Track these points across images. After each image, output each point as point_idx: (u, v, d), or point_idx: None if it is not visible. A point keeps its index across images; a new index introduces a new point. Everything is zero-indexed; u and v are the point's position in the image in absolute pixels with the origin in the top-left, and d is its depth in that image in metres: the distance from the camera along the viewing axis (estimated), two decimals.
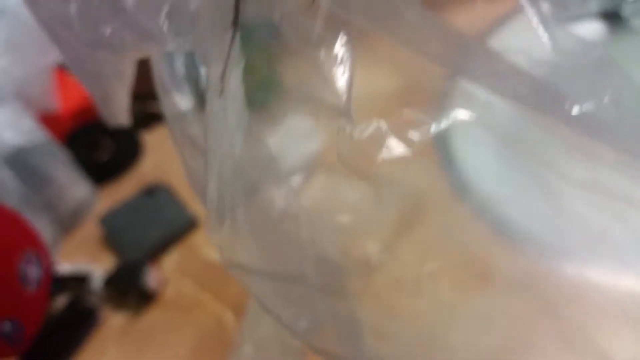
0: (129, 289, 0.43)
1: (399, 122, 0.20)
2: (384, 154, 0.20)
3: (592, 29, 0.46)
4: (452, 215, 0.25)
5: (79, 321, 0.44)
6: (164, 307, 0.43)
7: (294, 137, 0.20)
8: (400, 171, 0.23)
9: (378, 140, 0.20)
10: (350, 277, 0.21)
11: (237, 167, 0.19)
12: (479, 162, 0.27)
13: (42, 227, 0.48)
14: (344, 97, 0.19)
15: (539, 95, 0.19)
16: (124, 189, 0.55)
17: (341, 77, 0.19)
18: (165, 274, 0.45)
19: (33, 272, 0.40)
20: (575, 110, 0.18)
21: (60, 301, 0.45)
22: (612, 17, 0.46)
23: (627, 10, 0.45)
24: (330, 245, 0.20)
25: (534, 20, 0.19)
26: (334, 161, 0.19)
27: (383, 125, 0.20)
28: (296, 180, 0.20)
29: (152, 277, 0.44)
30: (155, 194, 0.51)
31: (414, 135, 0.20)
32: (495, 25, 0.19)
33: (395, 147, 0.20)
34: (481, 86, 0.20)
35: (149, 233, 0.47)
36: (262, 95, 0.19)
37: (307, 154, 0.22)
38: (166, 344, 0.41)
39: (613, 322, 0.21)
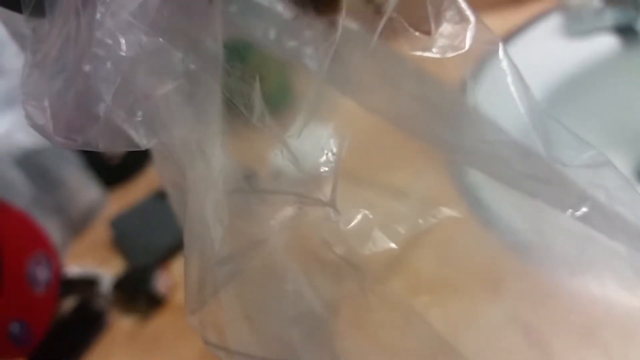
0: (138, 293, 0.43)
1: (386, 214, 0.20)
2: (370, 247, 0.19)
3: (606, 43, 0.46)
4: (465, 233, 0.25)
5: (86, 324, 0.44)
6: (173, 312, 0.43)
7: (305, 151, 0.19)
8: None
9: (364, 232, 0.19)
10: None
11: (218, 257, 0.18)
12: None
13: (52, 229, 0.48)
14: (330, 188, 0.18)
15: (533, 188, 0.19)
16: (135, 192, 0.55)
17: (327, 165, 0.19)
18: (174, 278, 0.45)
19: (42, 273, 0.40)
20: (569, 214, 0.19)
21: (69, 303, 0.45)
22: (627, 31, 0.46)
23: None
24: (319, 297, 0.19)
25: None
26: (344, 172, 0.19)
27: (369, 216, 0.19)
28: (290, 212, 0.19)
29: (162, 281, 0.43)
30: (166, 197, 0.51)
31: (400, 229, 0.20)
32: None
33: (381, 240, 0.20)
34: (475, 168, 0.20)
35: (159, 237, 0.47)
36: (274, 103, 0.19)
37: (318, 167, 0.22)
38: (174, 349, 0.40)
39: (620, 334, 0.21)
